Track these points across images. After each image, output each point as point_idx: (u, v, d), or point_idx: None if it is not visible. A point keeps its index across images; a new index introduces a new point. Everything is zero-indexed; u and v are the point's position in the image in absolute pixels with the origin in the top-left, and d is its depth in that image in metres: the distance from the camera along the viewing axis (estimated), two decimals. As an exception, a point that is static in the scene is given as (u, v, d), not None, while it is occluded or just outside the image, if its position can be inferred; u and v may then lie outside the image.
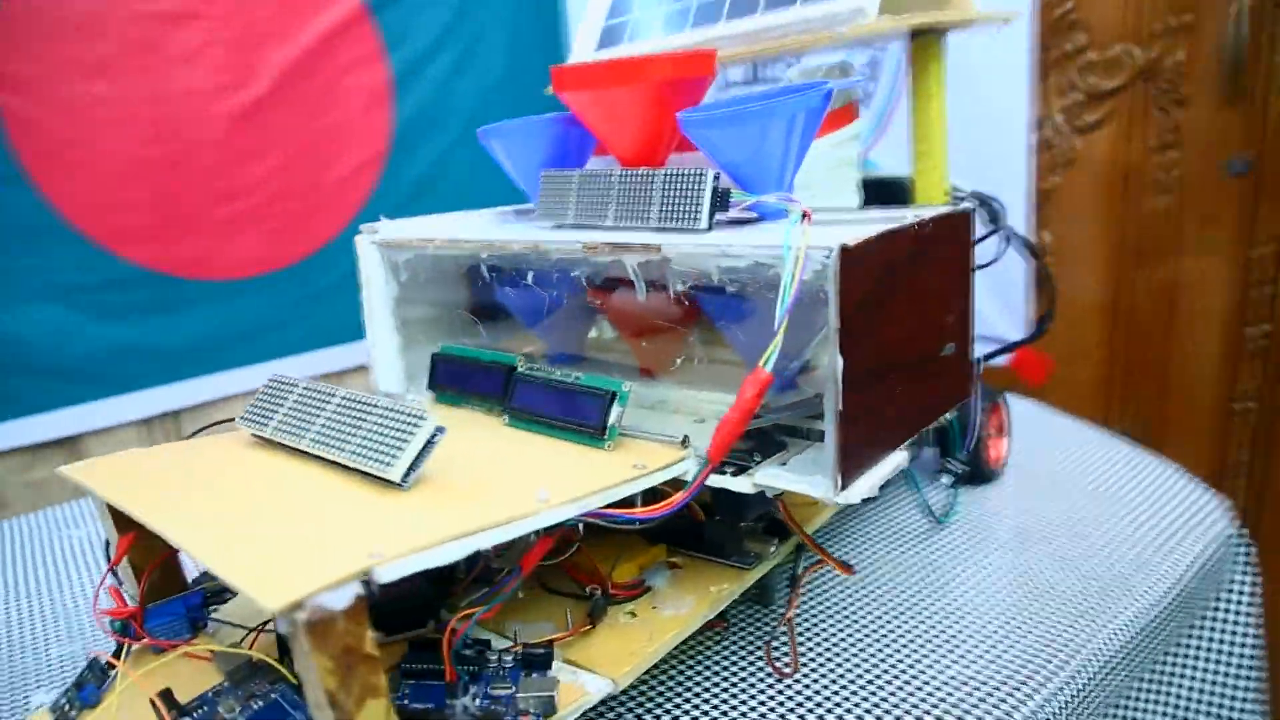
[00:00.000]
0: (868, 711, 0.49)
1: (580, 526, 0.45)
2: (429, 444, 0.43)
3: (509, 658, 0.44)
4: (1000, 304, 1.40)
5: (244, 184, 1.36)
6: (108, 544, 0.47)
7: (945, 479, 0.69)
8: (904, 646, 0.55)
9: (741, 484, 0.47)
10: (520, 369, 0.55)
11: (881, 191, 0.71)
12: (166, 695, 0.41)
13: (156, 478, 0.45)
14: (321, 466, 0.45)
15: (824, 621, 0.59)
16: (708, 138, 0.52)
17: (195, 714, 0.40)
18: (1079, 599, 0.60)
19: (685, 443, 0.49)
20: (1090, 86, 1.21)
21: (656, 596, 0.53)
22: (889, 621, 0.58)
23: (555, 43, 1.66)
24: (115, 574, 0.46)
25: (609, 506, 0.44)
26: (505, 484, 0.45)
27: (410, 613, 0.50)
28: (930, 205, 0.54)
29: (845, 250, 0.41)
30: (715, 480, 0.47)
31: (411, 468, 0.42)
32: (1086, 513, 0.72)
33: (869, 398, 0.44)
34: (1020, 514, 0.72)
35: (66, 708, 0.42)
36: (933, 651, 0.54)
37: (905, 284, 0.47)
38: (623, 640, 0.48)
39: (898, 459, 0.48)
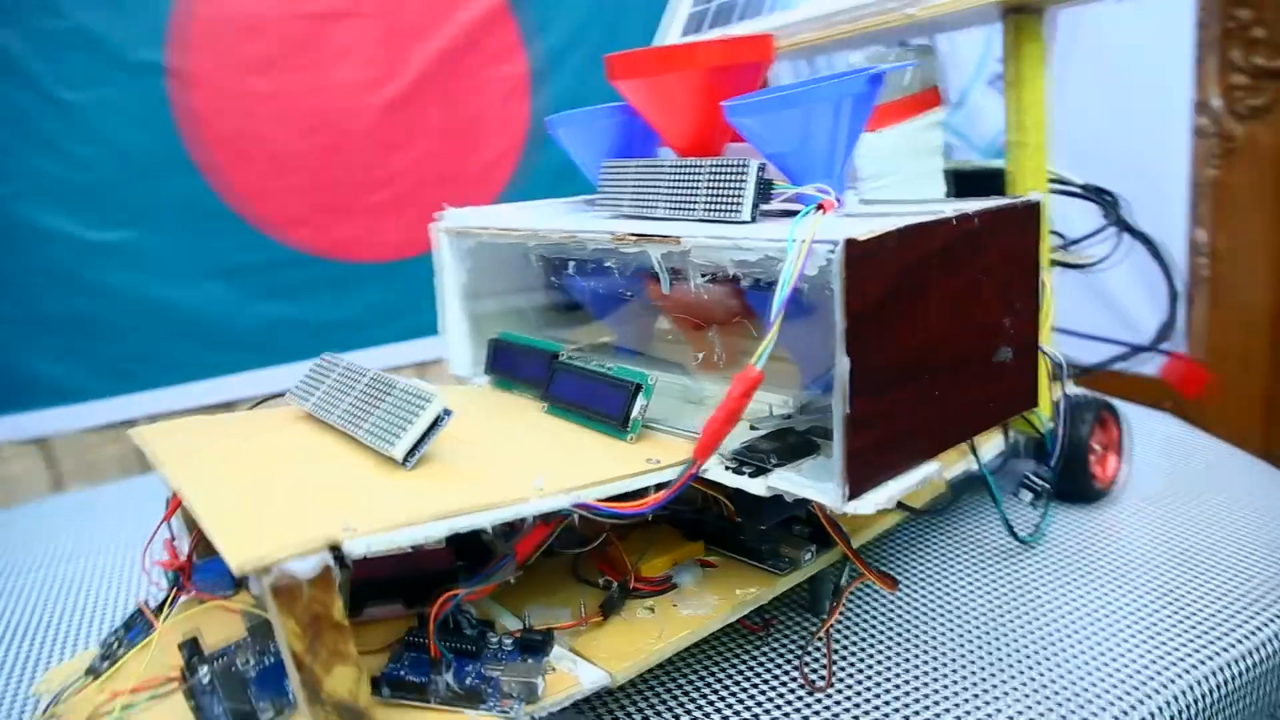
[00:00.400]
0: (893, 737, 0.47)
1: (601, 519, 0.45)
2: (434, 425, 0.44)
3: (509, 641, 0.45)
4: (1153, 305, 1.28)
5: (391, 172, 1.44)
6: (167, 501, 0.51)
7: (1025, 495, 0.64)
8: (953, 674, 0.51)
9: (755, 486, 0.45)
10: (561, 357, 0.56)
11: (979, 183, 0.66)
12: (192, 643, 0.44)
13: (202, 442, 0.49)
14: (345, 441, 0.48)
15: (871, 636, 0.56)
16: (750, 126, 0.50)
17: (215, 662, 0.43)
18: (1173, 640, 0.53)
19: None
20: (1256, 67, 1.07)
21: (680, 594, 0.52)
22: (941, 644, 0.54)
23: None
24: (170, 529, 0.51)
25: (613, 500, 0.43)
26: (512, 469, 0.45)
27: (434, 586, 0.51)
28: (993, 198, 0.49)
29: (851, 244, 0.38)
30: (732, 481, 0.45)
31: (414, 448, 0.43)
32: (1209, 547, 0.64)
33: (886, 403, 0.42)
34: (1129, 541, 0.66)
35: (114, 645, 0.47)
36: (983, 682, 0.50)
37: (940, 282, 0.43)
38: (633, 635, 0.48)
39: (928, 470, 0.45)
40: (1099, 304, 1.30)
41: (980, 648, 0.54)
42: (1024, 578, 0.61)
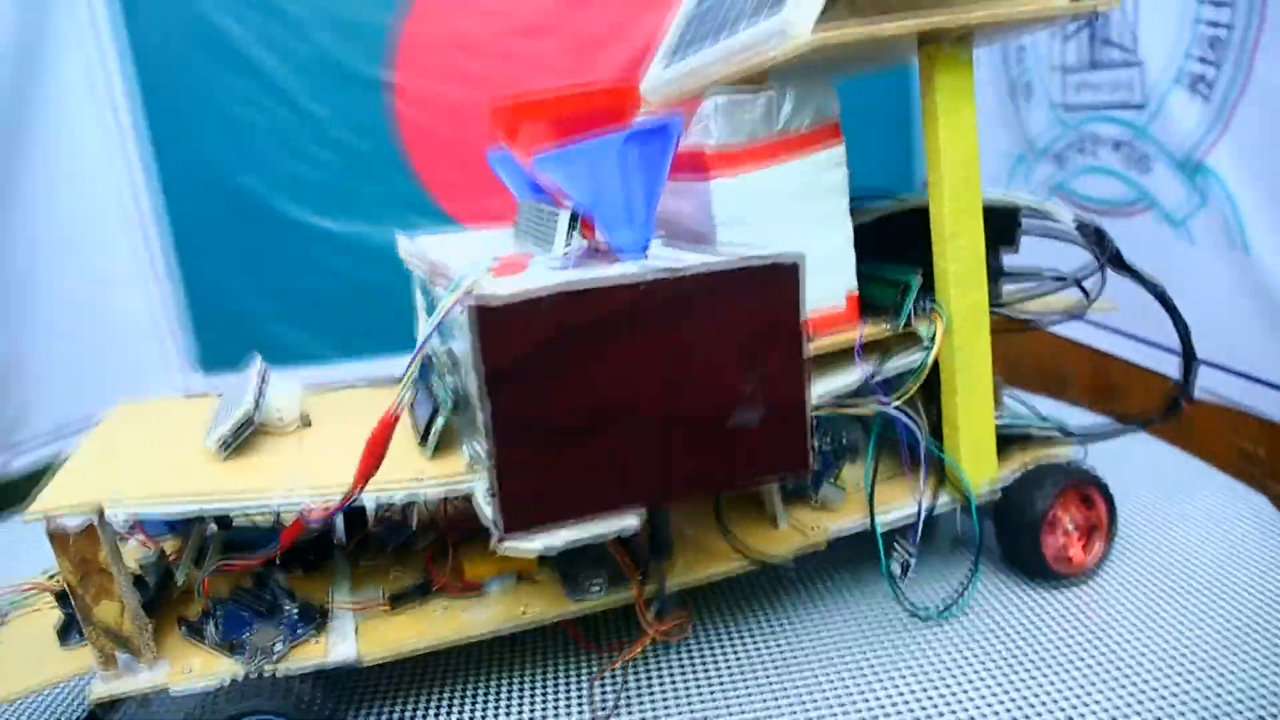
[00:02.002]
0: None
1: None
2: (244, 426, 0.54)
3: (294, 610, 0.54)
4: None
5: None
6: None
7: (895, 565, 0.59)
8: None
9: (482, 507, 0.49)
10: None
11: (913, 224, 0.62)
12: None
13: (147, 418, 0.63)
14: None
15: (693, 679, 0.57)
16: (554, 179, 0.53)
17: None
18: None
19: (472, 466, 0.52)
20: None
21: (481, 600, 0.57)
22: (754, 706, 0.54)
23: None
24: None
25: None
26: (310, 467, 0.53)
27: (316, 553, 0.62)
28: (721, 256, 0.47)
29: (482, 310, 0.42)
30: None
31: (226, 442, 0.53)
32: (1188, 648, 0.55)
33: (548, 454, 0.44)
34: (1080, 627, 0.58)
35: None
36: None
37: (629, 342, 0.44)
38: (404, 627, 0.54)
39: (627, 522, 0.46)
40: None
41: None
42: (906, 651, 0.57)
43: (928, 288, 0.60)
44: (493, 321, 0.42)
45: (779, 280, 0.46)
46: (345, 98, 1.48)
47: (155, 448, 0.56)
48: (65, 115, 1.37)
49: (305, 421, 0.60)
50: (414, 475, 0.51)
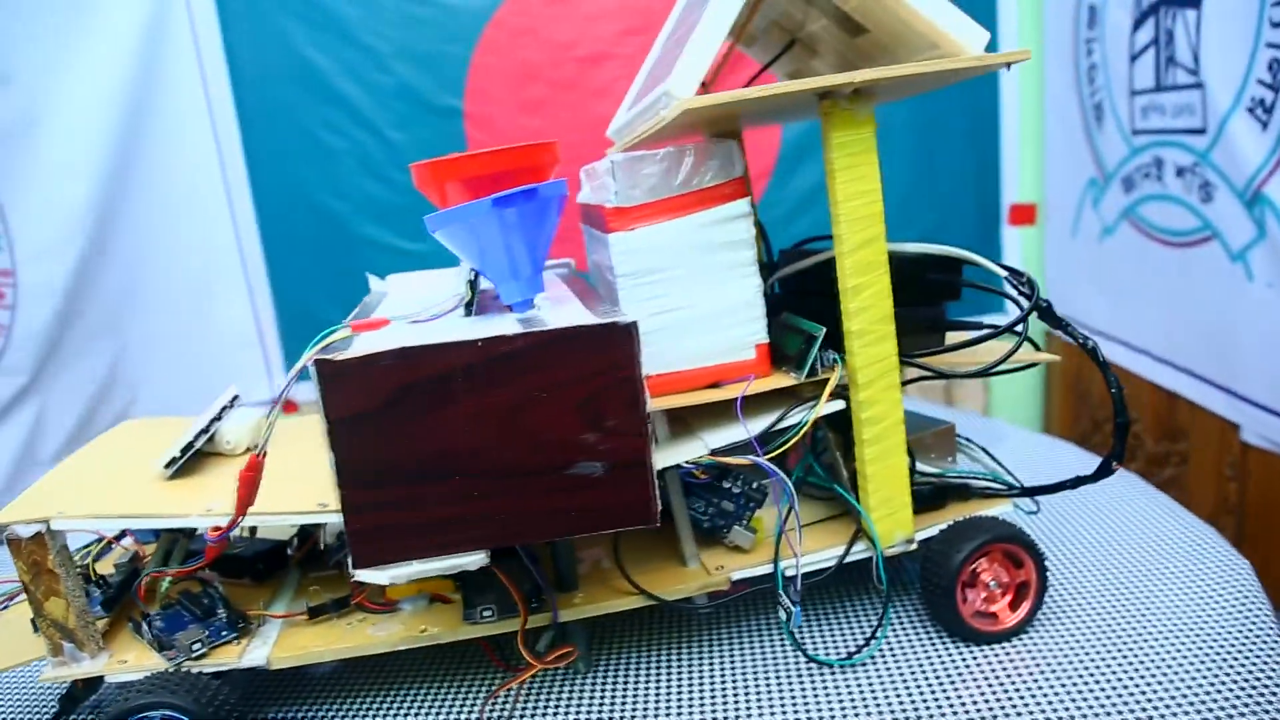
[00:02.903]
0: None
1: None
2: (188, 449, 0.61)
3: (224, 614, 0.61)
4: None
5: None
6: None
7: (781, 611, 0.60)
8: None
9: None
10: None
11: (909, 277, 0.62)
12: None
13: (139, 434, 0.72)
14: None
15: (585, 712, 0.60)
16: (441, 237, 0.57)
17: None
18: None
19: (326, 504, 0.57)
20: None
21: (394, 618, 0.62)
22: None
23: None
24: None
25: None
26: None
27: (268, 566, 0.69)
28: (560, 320, 0.49)
29: (322, 364, 0.46)
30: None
31: (172, 462, 0.61)
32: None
33: (392, 495, 0.48)
34: (997, 685, 0.57)
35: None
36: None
37: (469, 396, 0.48)
38: (317, 637, 0.60)
39: (472, 558, 0.50)
40: None
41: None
42: (826, 702, 0.58)
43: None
44: (335, 378, 0.47)
45: (615, 341, 0.48)
46: (423, 125, 1.57)
47: (121, 466, 0.64)
48: (174, 141, 1.53)
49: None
50: (319, 503, 0.57)
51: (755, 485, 0.64)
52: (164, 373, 1.53)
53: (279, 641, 0.60)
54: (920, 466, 0.67)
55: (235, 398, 0.69)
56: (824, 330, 0.60)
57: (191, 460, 0.63)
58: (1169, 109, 1.17)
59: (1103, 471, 0.61)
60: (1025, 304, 0.61)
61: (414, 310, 0.59)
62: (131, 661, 0.58)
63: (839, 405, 0.61)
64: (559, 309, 0.55)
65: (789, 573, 0.63)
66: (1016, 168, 1.57)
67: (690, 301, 0.60)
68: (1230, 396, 1.11)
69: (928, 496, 0.67)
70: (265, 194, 1.58)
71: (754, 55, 0.79)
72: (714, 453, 0.59)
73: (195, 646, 0.58)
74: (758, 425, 0.60)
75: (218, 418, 0.65)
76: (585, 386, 0.49)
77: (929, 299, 0.66)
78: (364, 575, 0.50)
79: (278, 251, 1.60)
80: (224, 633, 0.59)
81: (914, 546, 0.63)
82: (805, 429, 0.58)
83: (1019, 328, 0.61)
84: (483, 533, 0.50)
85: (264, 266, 1.60)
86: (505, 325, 0.50)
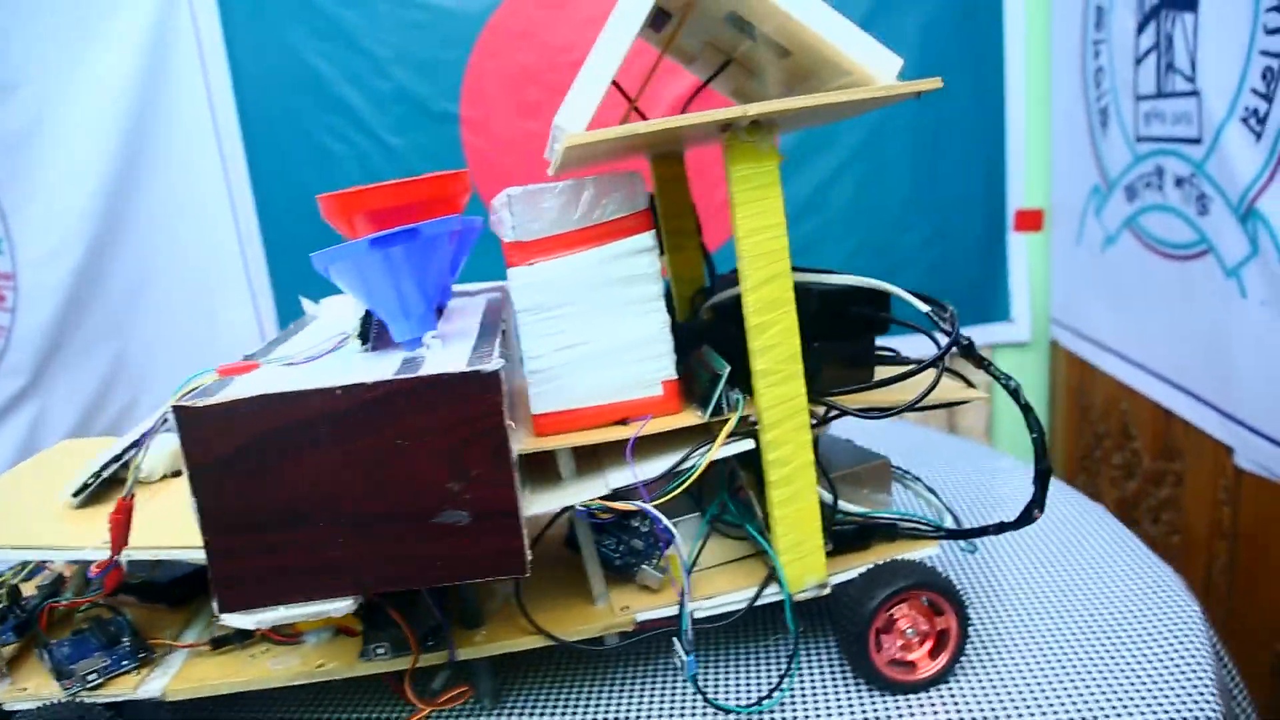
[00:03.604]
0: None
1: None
2: (96, 478, 0.61)
3: (130, 645, 0.61)
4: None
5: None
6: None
7: (676, 660, 0.58)
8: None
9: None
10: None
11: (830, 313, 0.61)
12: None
13: (72, 453, 0.73)
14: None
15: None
16: (333, 274, 0.56)
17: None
18: None
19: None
20: None
21: (295, 650, 0.62)
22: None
23: (983, 61, 1.48)
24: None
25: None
26: (142, 521, 0.60)
27: (184, 591, 0.69)
28: (426, 367, 0.48)
29: (180, 410, 0.46)
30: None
31: (79, 491, 0.61)
32: None
33: (255, 540, 0.48)
34: None
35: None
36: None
37: (330, 444, 0.47)
38: (218, 668, 0.60)
39: (340, 604, 0.50)
40: None
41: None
42: None
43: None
44: (195, 424, 0.46)
45: (477, 390, 0.47)
46: (421, 130, 1.57)
47: (38, 491, 0.65)
48: (177, 145, 1.55)
49: (175, 474, 0.67)
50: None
51: (664, 525, 0.62)
52: (166, 374, 1.56)
53: (180, 672, 0.60)
54: (845, 505, 0.65)
55: (165, 420, 0.69)
56: (728, 368, 0.58)
57: (109, 486, 0.64)
58: (1169, 116, 1.12)
59: (1024, 519, 0.59)
60: (944, 340, 0.58)
61: (314, 343, 0.59)
62: (31, 690, 0.58)
63: (748, 445, 0.59)
64: (445, 349, 0.54)
65: (700, 614, 0.61)
66: (1024, 171, 1.52)
67: (592, 337, 0.59)
68: (1224, 418, 1.06)
69: (851, 536, 0.65)
70: (267, 198, 1.60)
71: (695, 72, 0.77)
72: (615, 492, 0.58)
73: (91, 676, 0.58)
74: (664, 464, 0.59)
75: (136, 444, 0.65)
76: (449, 435, 0.48)
77: (853, 332, 0.64)
78: (230, 620, 0.49)
79: (279, 254, 1.62)
80: (124, 662, 0.60)
81: (827, 591, 0.61)
82: (696, 474, 0.56)
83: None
84: (348, 580, 0.49)
85: (266, 269, 1.62)
86: (377, 369, 0.50)
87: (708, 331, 0.70)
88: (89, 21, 1.45)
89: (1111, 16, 1.24)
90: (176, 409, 0.46)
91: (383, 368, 0.50)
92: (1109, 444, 1.36)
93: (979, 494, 0.89)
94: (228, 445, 0.47)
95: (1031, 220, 1.53)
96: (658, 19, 0.71)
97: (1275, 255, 0.94)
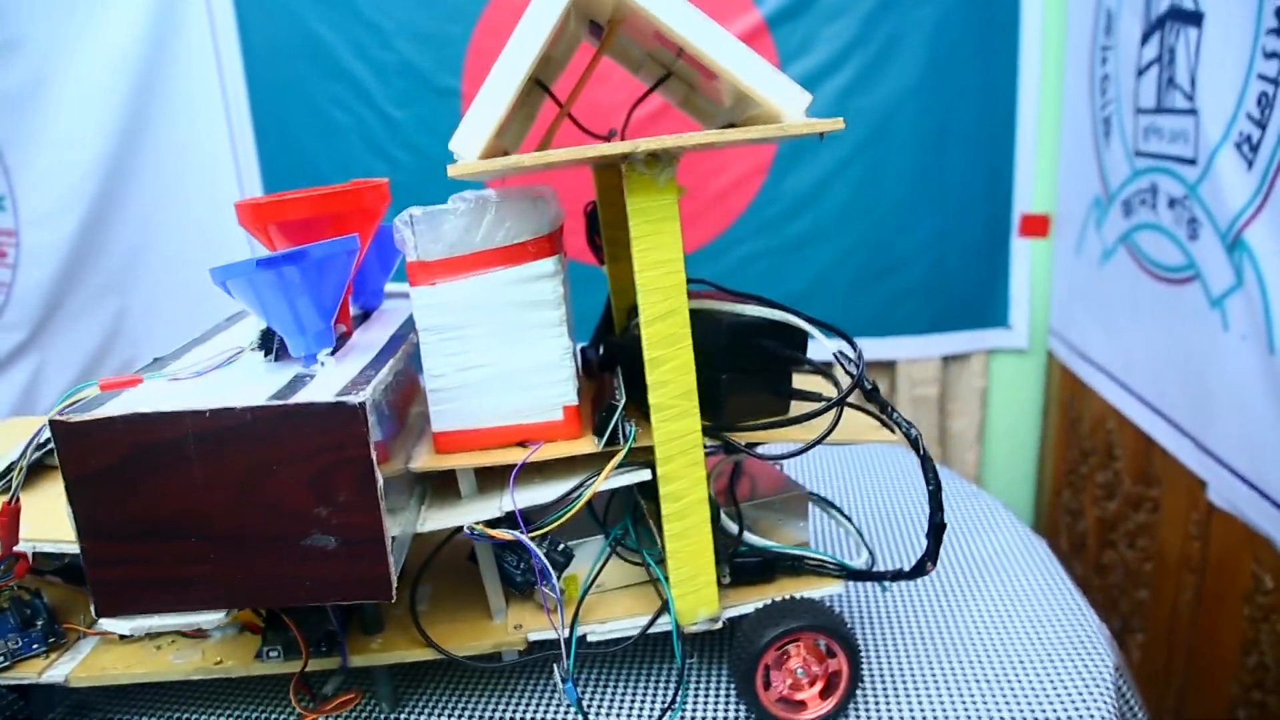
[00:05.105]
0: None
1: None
2: (9, 470, 0.63)
3: (42, 623, 0.63)
4: None
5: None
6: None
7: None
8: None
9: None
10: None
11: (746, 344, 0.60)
12: None
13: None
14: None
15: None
16: (230, 290, 0.56)
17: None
18: None
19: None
20: None
21: (198, 645, 0.64)
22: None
23: (995, 60, 1.43)
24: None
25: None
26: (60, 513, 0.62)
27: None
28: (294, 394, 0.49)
29: (55, 424, 0.47)
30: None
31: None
32: None
33: (127, 550, 0.49)
34: None
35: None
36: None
37: (201, 462, 0.48)
38: (122, 658, 0.62)
39: (213, 616, 0.51)
40: None
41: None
42: None
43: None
44: (70, 439, 0.47)
45: (343, 420, 0.48)
46: (423, 104, 1.57)
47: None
48: (183, 107, 1.57)
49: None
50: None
51: (560, 548, 0.62)
52: (166, 333, 1.60)
53: (86, 660, 0.62)
54: (751, 537, 0.65)
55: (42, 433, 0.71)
56: (624, 400, 0.58)
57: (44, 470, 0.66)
58: (1166, 133, 1.07)
59: (917, 570, 0.58)
60: (847, 383, 0.57)
61: (218, 352, 0.60)
62: (-56, 667, 0.61)
63: (644, 476, 0.59)
64: (336, 369, 0.55)
65: (593, 637, 0.62)
66: (1031, 175, 1.48)
67: (493, 360, 0.59)
68: (1201, 451, 1.03)
69: (753, 569, 0.64)
70: (272, 166, 1.61)
71: (641, 80, 0.76)
72: (509, 515, 0.58)
73: (3, 657, 0.60)
74: (561, 488, 0.59)
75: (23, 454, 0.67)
76: (315, 461, 0.49)
77: (765, 365, 0.63)
78: (106, 625, 0.51)
79: (280, 222, 1.64)
80: (35, 645, 0.62)
81: (719, 626, 0.61)
82: (578, 508, 0.56)
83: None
84: (219, 594, 0.51)
85: (266, 236, 1.64)
86: (256, 390, 0.50)
87: (635, 347, 0.69)
88: (95, -20, 1.46)
89: (1119, 23, 1.19)
90: (52, 423, 0.47)
91: (261, 389, 0.50)
92: (1094, 461, 1.34)
93: (920, 523, 0.88)
94: (101, 460, 0.48)
95: (1037, 225, 1.49)
96: (594, 28, 0.70)
97: (1258, 289, 0.90)
